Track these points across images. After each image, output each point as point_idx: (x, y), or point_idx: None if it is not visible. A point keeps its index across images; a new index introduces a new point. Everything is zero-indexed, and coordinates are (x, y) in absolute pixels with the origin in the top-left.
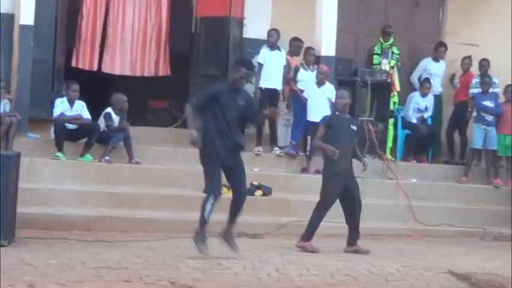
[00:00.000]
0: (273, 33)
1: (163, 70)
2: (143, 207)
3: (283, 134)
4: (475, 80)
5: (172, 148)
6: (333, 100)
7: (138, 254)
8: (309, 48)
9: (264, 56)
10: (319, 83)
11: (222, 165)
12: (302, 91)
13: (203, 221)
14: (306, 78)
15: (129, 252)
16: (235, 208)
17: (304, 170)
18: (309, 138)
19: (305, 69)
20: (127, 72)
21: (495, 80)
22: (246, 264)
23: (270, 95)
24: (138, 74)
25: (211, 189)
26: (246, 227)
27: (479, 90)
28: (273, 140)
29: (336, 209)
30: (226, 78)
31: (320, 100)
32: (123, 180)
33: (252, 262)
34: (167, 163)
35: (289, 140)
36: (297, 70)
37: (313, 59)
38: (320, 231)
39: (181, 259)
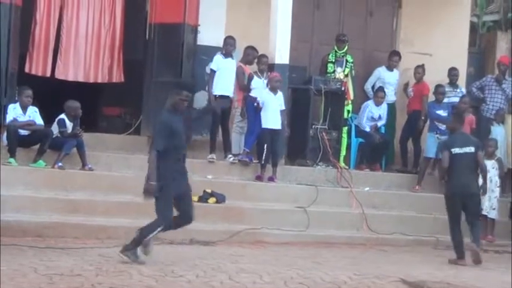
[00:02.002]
0: (231, 41)
1: (117, 76)
2: (96, 214)
3: (237, 141)
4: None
5: (125, 155)
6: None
7: (91, 261)
8: (262, 56)
9: (218, 63)
10: (274, 90)
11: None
12: (255, 98)
13: (140, 241)
14: (259, 86)
15: (81, 259)
16: (176, 227)
17: (258, 178)
18: (265, 146)
19: (259, 77)
20: (80, 78)
21: (463, 89)
22: (199, 271)
23: (223, 101)
24: (91, 80)
25: (166, 219)
26: (199, 234)
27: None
28: (227, 147)
29: (290, 218)
30: (165, 105)
31: (274, 108)
32: (76, 187)
33: (205, 270)
34: (120, 170)
35: (243, 147)
36: (250, 78)
37: (266, 67)
38: (273, 240)
39: (134, 266)
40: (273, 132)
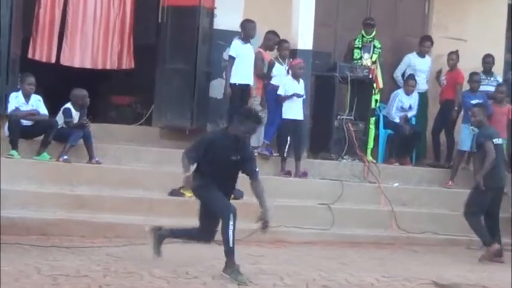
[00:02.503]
0: (252, 25)
1: (127, 63)
2: (104, 211)
3: (256, 133)
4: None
5: (136, 147)
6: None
7: (98, 261)
8: (283, 41)
9: (237, 49)
10: (297, 77)
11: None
12: (277, 87)
13: (230, 251)
14: (281, 73)
15: (88, 259)
16: (191, 239)
17: (288, 173)
18: (288, 138)
19: (280, 63)
20: (88, 65)
21: (499, 77)
22: (215, 273)
23: (243, 91)
24: (99, 67)
25: (225, 209)
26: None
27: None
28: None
29: (313, 216)
30: (228, 127)
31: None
32: (82, 181)
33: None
34: (130, 163)
35: (262, 139)
36: (271, 65)
37: (288, 53)
38: (294, 239)
39: (145, 267)
40: (295, 123)
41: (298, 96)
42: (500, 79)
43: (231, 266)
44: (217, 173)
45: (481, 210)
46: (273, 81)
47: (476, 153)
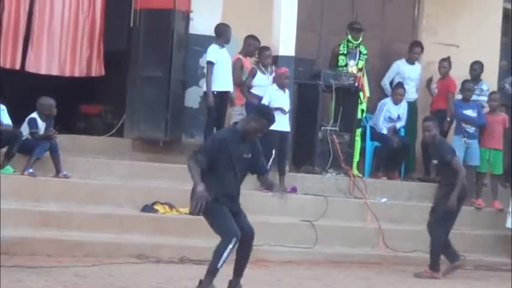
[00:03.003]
0: (229, 29)
1: (97, 70)
2: (72, 228)
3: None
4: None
5: (106, 160)
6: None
7: (65, 281)
8: (265, 49)
9: (216, 54)
10: (282, 87)
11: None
12: (260, 97)
13: (214, 271)
14: (264, 84)
15: (54, 280)
16: (244, 252)
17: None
18: (273, 151)
19: (263, 72)
20: (55, 72)
21: (484, 86)
22: None
23: (221, 99)
24: (67, 74)
25: (230, 232)
26: (191, 251)
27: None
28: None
29: (295, 234)
30: (238, 125)
31: (285, 106)
32: (48, 197)
33: None
34: (100, 177)
35: None
36: (253, 73)
37: (270, 61)
38: (275, 258)
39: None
40: (281, 134)
41: (283, 112)
42: (485, 87)
43: (205, 285)
44: (227, 176)
45: (450, 226)
46: (254, 91)
47: (441, 170)
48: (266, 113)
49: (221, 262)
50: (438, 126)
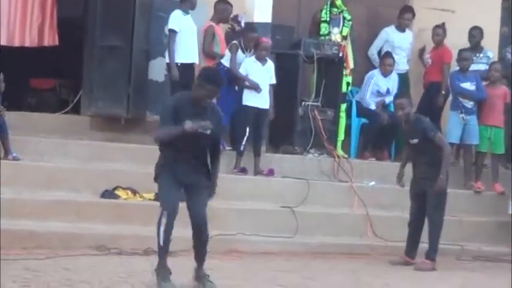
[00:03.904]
0: None
1: (50, 39)
2: (22, 216)
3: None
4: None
5: (61, 140)
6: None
7: (15, 276)
8: (250, 30)
9: (179, 21)
10: (262, 59)
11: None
12: (228, 68)
13: (161, 250)
14: (244, 63)
15: (2, 274)
16: (196, 239)
17: (242, 171)
18: (247, 129)
19: (242, 51)
20: (2, 41)
21: (489, 53)
22: None
23: (185, 71)
24: (16, 44)
25: (165, 203)
26: (156, 242)
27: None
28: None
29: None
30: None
31: (263, 81)
32: None
33: None
34: (54, 159)
35: None
36: (233, 49)
37: (253, 45)
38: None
39: (72, 283)
40: (258, 112)
41: (256, 90)
42: (491, 55)
43: (158, 268)
44: (183, 144)
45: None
46: (224, 61)
47: (419, 148)
48: (212, 78)
49: (161, 238)
50: (412, 104)
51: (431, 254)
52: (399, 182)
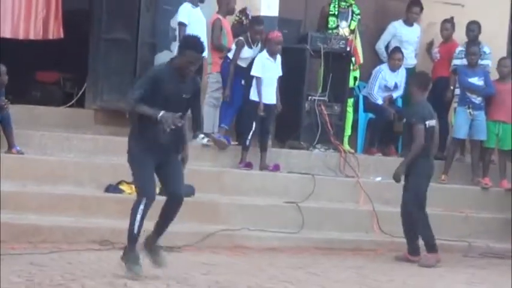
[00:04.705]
0: None
1: (55, 32)
2: (27, 211)
3: (211, 116)
4: (459, 49)
5: (65, 134)
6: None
7: (19, 270)
8: (257, 23)
9: (188, 14)
10: (273, 54)
11: (153, 162)
12: (242, 68)
13: (133, 239)
14: (249, 56)
15: (8, 268)
16: (166, 214)
17: (248, 165)
18: (254, 123)
19: (249, 46)
20: (7, 34)
21: (486, 49)
22: (160, 285)
23: None
24: (21, 36)
25: (144, 191)
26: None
27: (464, 62)
28: (197, 125)
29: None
30: (171, 60)
31: (273, 78)
32: (0, 175)
33: (168, 283)
34: (59, 153)
35: (219, 124)
36: (240, 46)
37: (260, 38)
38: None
39: (76, 278)
40: (266, 107)
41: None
42: (487, 50)
43: (127, 253)
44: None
45: (422, 206)
46: (231, 55)
47: (407, 132)
48: (192, 44)
49: (136, 227)
50: (426, 85)
51: (408, 249)
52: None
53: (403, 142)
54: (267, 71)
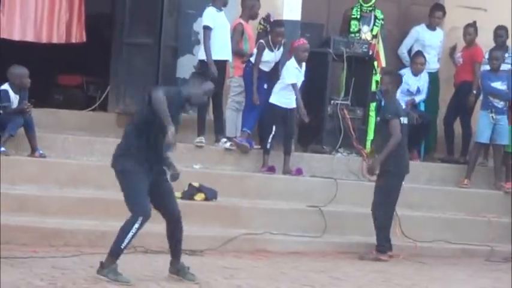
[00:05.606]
0: None
1: (78, 36)
2: (49, 214)
3: (233, 120)
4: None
5: (88, 137)
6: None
7: (42, 274)
8: (278, 25)
9: (212, 18)
10: (300, 62)
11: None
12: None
13: (118, 252)
14: (270, 59)
15: (30, 271)
16: (173, 236)
17: (270, 170)
18: (273, 127)
19: (270, 49)
20: (30, 38)
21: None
22: None
23: (219, 69)
24: (44, 40)
25: (139, 210)
26: (183, 240)
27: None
28: (219, 129)
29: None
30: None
31: (299, 83)
32: (23, 179)
33: (190, 286)
34: (81, 157)
35: (241, 128)
36: (260, 49)
37: (282, 40)
38: (278, 248)
39: (98, 281)
40: (287, 112)
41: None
42: (507, 54)
43: (107, 266)
44: (157, 140)
45: (392, 203)
46: (253, 59)
47: (379, 130)
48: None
49: (125, 242)
50: (397, 83)
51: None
52: None
53: (427, 146)
54: (291, 74)
